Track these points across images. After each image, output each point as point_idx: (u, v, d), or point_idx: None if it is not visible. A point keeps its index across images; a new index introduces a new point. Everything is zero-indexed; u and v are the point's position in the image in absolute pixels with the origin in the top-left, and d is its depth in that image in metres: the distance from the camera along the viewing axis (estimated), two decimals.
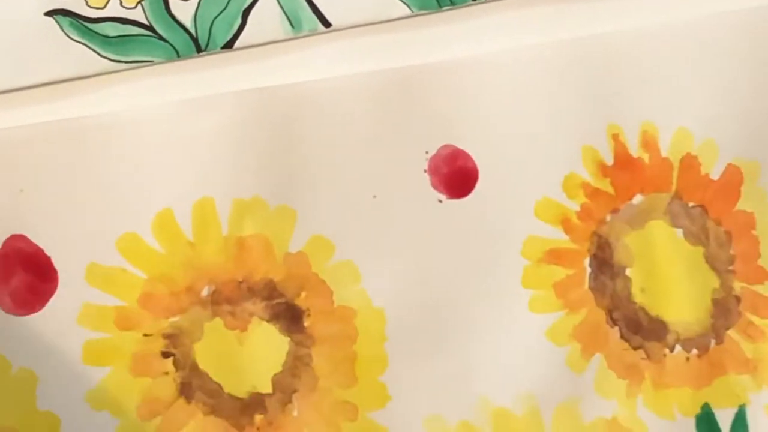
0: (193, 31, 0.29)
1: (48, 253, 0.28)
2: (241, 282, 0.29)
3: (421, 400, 0.30)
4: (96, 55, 0.29)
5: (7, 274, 0.27)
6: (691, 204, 0.32)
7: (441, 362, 0.30)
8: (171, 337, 0.28)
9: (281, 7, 0.30)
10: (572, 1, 0.31)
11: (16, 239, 0.28)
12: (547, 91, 0.32)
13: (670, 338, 0.31)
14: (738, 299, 0.32)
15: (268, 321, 0.29)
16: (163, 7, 0.29)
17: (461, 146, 0.30)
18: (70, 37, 0.29)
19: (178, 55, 0.29)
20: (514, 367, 0.30)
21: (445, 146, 0.30)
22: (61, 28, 0.29)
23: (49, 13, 0.29)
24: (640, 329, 0.31)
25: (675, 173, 0.32)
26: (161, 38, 0.29)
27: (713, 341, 0.32)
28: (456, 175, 0.30)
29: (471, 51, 0.31)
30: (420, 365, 0.30)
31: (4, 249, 0.28)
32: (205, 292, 0.29)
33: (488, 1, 0.31)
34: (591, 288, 0.31)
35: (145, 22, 0.29)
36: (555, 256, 0.31)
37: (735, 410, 0.31)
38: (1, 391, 0.28)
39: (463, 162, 0.30)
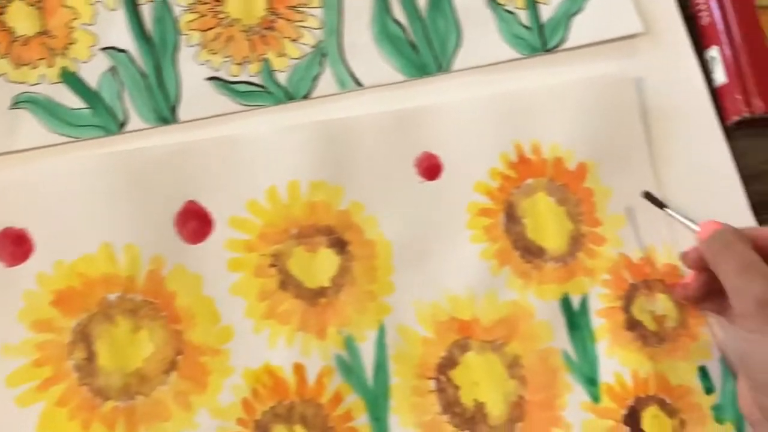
0: (287, 89, 0.42)
1: (208, 209, 0.39)
2: (312, 225, 0.40)
3: (412, 290, 0.40)
4: (233, 102, 0.41)
5: (183, 221, 0.39)
6: (558, 183, 0.42)
7: (423, 270, 0.40)
8: (275, 256, 0.39)
9: (335, 75, 0.42)
10: (499, 71, 0.42)
11: (191, 203, 0.39)
12: (483, 122, 0.42)
13: (547, 257, 0.41)
14: (584, 236, 0.41)
15: (327, 247, 0.40)
16: (270, 76, 0.42)
17: (433, 152, 0.41)
18: (219, 92, 0.41)
19: (278, 102, 0.42)
20: (462, 272, 0.40)
21: (425, 152, 0.41)
22: (215, 87, 0.41)
23: (208, 79, 0.41)
24: (530, 252, 0.41)
25: (549, 167, 0.42)
26: (269, 92, 0.42)
27: (570, 258, 0.41)
28: (429, 168, 0.41)
29: (440, 99, 0.42)
30: (411, 271, 0.40)
31: (184, 208, 0.39)
32: (293, 231, 0.40)
33: (449, 72, 0.43)
34: (504, 230, 0.41)
35: (260, 83, 0.42)
36: (484, 212, 0.41)
37: (581, 297, 0.40)
38: (184, 285, 0.38)
39: (434, 161, 0.41)
